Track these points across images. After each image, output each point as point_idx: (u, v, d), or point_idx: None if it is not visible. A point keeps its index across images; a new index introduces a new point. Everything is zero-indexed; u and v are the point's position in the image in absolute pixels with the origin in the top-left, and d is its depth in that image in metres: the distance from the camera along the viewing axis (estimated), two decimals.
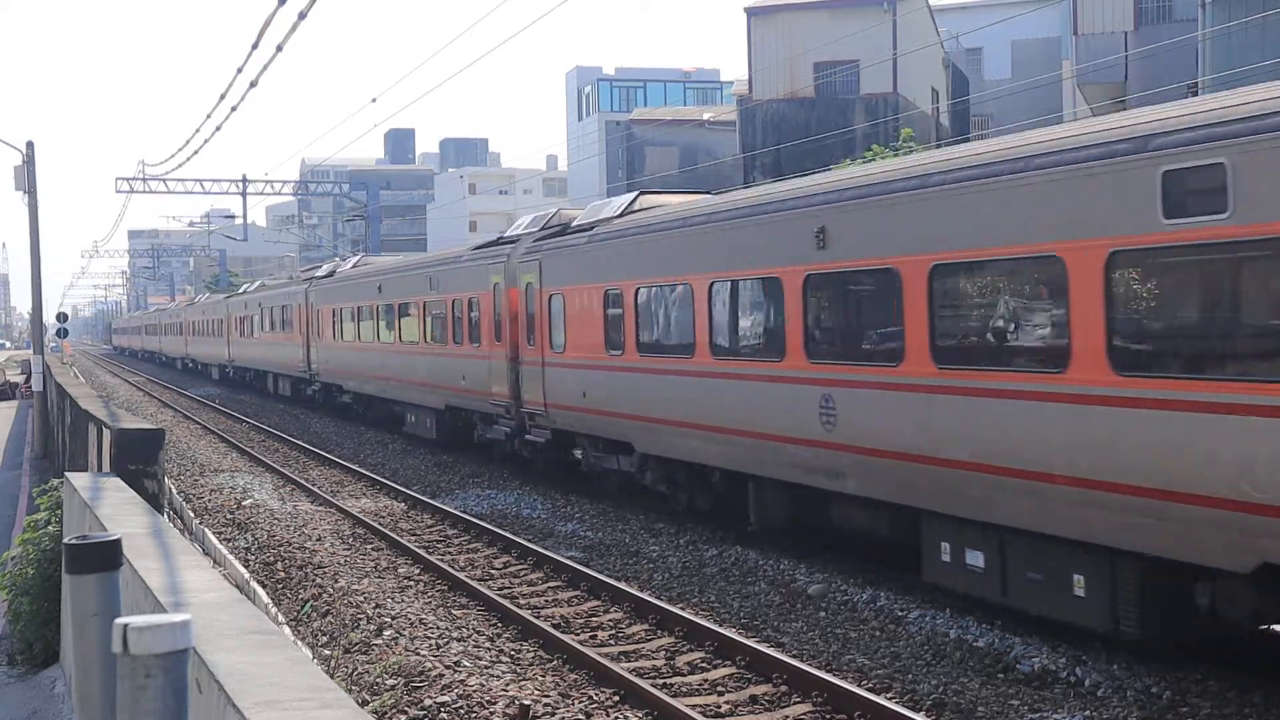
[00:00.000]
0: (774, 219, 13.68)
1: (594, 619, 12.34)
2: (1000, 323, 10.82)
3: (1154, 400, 8.87)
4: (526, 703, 9.32)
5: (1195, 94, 20.89)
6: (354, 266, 35.34)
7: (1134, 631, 9.52)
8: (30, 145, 32.66)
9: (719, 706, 9.51)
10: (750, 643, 10.76)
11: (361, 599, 13.13)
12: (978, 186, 10.51)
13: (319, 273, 38.71)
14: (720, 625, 11.50)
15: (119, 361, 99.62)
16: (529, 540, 16.04)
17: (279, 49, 15.65)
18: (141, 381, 61.39)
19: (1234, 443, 8.31)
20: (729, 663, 10.56)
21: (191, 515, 19.50)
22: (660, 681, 10.09)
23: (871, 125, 42.13)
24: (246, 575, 14.99)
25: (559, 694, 9.73)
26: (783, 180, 15.19)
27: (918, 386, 11.26)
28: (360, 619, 12.35)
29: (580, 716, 9.26)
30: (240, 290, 54.72)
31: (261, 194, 62.10)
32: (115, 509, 10.09)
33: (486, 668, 10.47)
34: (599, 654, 10.74)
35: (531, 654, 11.06)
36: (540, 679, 10.17)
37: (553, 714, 9.26)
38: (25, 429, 37.07)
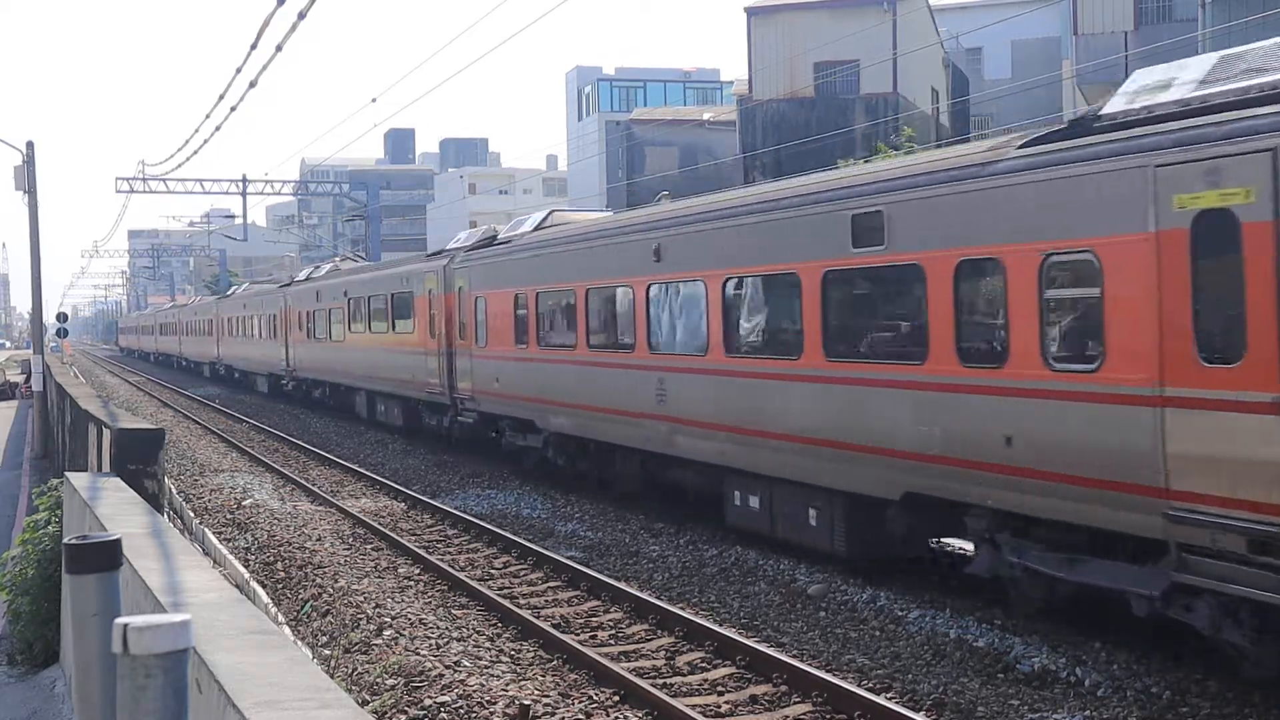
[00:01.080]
0: None
1: (594, 619, 12.34)
2: None
3: None
4: (526, 703, 9.32)
5: None
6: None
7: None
8: (30, 145, 32.65)
9: (719, 706, 9.51)
10: (750, 643, 10.76)
11: (361, 599, 13.13)
12: None
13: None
14: (720, 625, 11.49)
15: (121, 362, 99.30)
16: (529, 540, 16.04)
17: (278, 49, 15.65)
18: (141, 381, 61.40)
19: None
20: (729, 663, 10.56)
21: (191, 515, 19.51)
22: (660, 681, 10.09)
23: (871, 125, 42.13)
24: (246, 575, 14.99)
25: (559, 694, 9.73)
26: None
27: None
28: (360, 619, 12.35)
29: (580, 716, 9.26)
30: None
31: (261, 194, 62.11)
32: (115, 509, 10.09)
33: (486, 668, 10.47)
34: (599, 654, 10.74)
35: (531, 654, 11.06)
36: (540, 679, 10.17)
37: (553, 714, 9.26)
38: (25, 429, 37.06)
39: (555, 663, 10.74)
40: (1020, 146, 10.72)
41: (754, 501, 14.57)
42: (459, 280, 24.07)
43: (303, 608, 13.54)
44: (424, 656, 10.73)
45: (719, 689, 9.99)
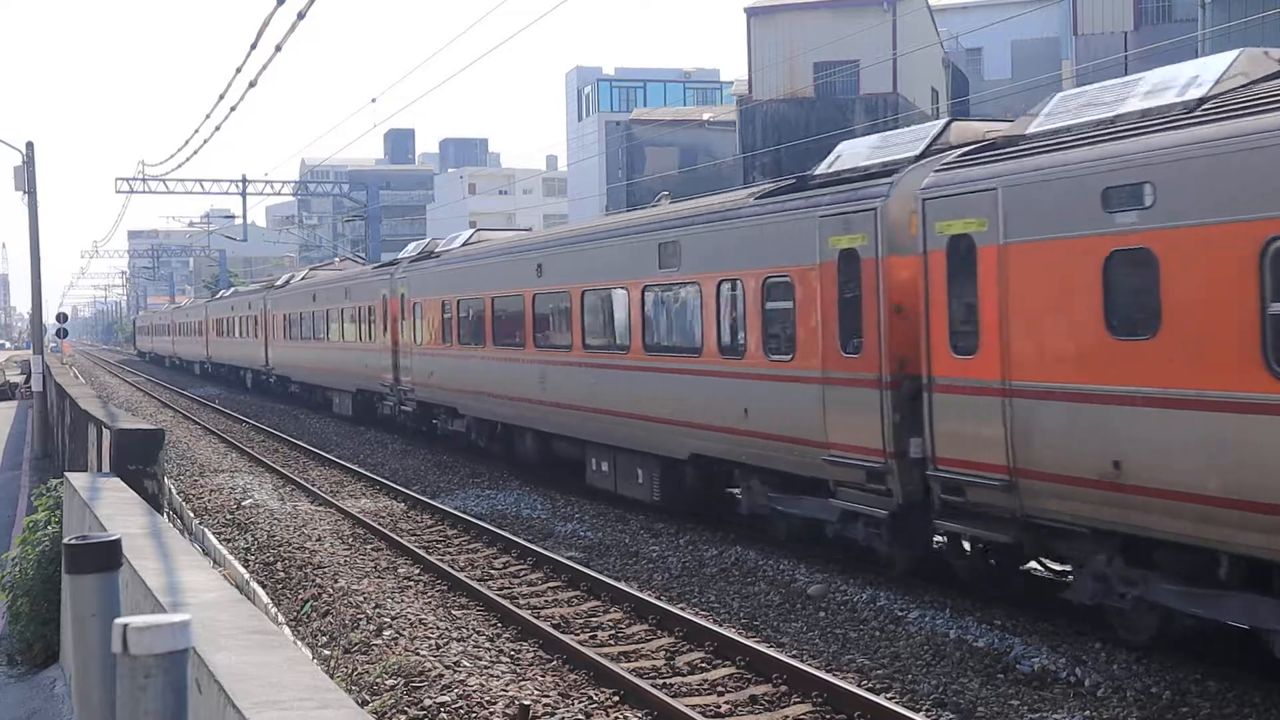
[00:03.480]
0: None
1: (594, 619, 12.34)
2: None
3: None
4: (526, 703, 9.31)
5: None
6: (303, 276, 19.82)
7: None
8: (30, 145, 32.63)
9: (719, 706, 9.50)
10: (750, 643, 10.76)
11: (361, 599, 13.13)
12: None
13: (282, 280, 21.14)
14: (720, 625, 11.50)
15: (123, 366, 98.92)
16: (529, 540, 16.04)
17: (278, 49, 15.65)
18: (141, 381, 61.39)
19: None
20: (729, 663, 10.56)
21: (191, 515, 19.49)
22: (660, 681, 10.09)
23: (871, 125, 42.09)
24: (246, 575, 14.98)
25: (559, 694, 9.72)
26: None
27: None
28: (360, 619, 12.35)
29: (580, 716, 9.26)
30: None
31: (261, 194, 62.09)
32: (115, 509, 10.08)
33: (486, 668, 10.47)
34: (599, 654, 10.74)
35: (531, 654, 11.06)
36: (540, 679, 10.16)
37: (553, 714, 9.25)
38: (25, 429, 37.05)
39: (555, 663, 10.74)
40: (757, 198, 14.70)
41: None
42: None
43: (303, 608, 13.53)
44: (424, 656, 10.73)
45: (719, 689, 9.99)
